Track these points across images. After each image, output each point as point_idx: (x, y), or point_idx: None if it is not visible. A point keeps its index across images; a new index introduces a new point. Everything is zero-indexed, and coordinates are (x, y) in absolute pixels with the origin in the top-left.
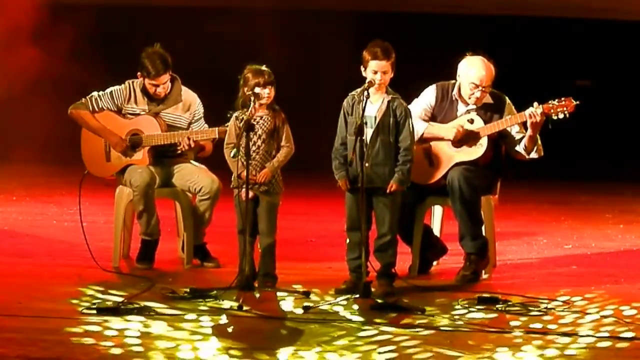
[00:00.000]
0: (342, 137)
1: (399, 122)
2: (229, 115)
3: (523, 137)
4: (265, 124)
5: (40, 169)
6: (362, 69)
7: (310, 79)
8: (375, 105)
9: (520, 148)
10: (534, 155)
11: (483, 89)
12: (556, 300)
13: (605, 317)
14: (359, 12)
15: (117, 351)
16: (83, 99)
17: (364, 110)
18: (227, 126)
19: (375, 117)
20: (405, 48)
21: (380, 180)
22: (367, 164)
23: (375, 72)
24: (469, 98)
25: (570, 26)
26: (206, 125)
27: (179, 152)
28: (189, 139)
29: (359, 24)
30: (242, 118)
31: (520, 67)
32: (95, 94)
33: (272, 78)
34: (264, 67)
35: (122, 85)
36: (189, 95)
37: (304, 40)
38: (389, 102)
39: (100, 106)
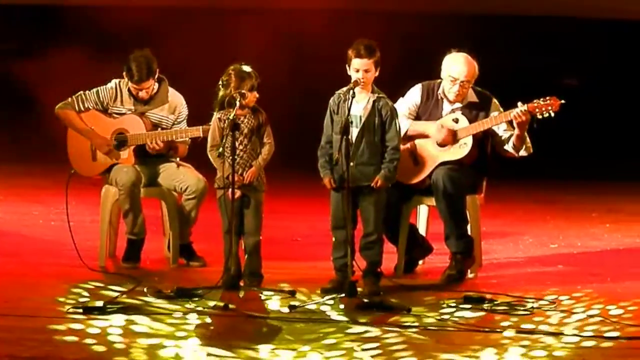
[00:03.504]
0: (328, 135)
1: (384, 122)
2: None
3: (511, 135)
4: (250, 122)
5: (27, 168)
6: (347, 67)
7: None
8: (360, 104)
9: (509, 147)
10: (523, 153)
11: (462, 84)
12: (542, 299)
13: (592, 316)
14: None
15: (103, 350)
16: (69, 99)
17: (349, 110)
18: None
19: (361, 117)
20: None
21: (365, 179)
22: (352, 163)
23: (357, 70)
24: (449, 93)
25: (557, 25)
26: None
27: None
28: (156, 142)
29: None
30: (226, 118)
31: (508, 66)
32: (81, 93)
33: (259, 79)
34: (249, 69)
35: (109, 85)
36: (175, 97)
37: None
38: (374, 101)
39: (87, 106)
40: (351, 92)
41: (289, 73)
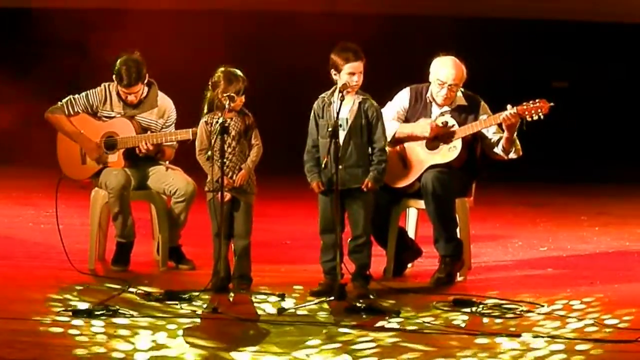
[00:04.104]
0: (314, 139)
1: (370, 123)
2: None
3: (500, 138)
4: (237, 124)
5: (17, 171)
6: (333, 72)
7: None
8: (346, 107)
9: (498, 149)
10: (512, 155)
11: (450, 87)
12: (531, 302)
13: (581, 320)
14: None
15: (92, 353)
16: (59, 103)
17: (338, 113)
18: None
19: (347, 119)
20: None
21: (354, 181)
22: (340, 166)
23: (353, 74)
24: (437, 97)
25: (546, 27)
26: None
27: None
28: (146, 143)
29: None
30: (213, 122)
31: (497, 69)
32: (71, 97)
33: (247, 83)
34: (239, 72)
35: (98, 88)
36: (164, 101)
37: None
38: (360, 103)
39: (76, 109)
40: (340, 95)
41: (275, 75)
